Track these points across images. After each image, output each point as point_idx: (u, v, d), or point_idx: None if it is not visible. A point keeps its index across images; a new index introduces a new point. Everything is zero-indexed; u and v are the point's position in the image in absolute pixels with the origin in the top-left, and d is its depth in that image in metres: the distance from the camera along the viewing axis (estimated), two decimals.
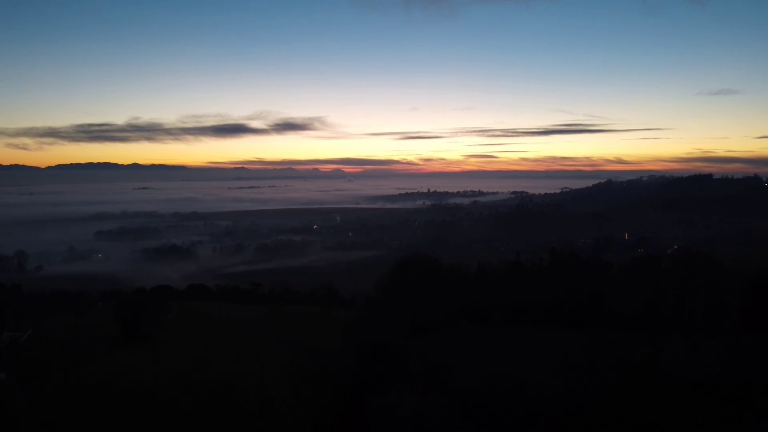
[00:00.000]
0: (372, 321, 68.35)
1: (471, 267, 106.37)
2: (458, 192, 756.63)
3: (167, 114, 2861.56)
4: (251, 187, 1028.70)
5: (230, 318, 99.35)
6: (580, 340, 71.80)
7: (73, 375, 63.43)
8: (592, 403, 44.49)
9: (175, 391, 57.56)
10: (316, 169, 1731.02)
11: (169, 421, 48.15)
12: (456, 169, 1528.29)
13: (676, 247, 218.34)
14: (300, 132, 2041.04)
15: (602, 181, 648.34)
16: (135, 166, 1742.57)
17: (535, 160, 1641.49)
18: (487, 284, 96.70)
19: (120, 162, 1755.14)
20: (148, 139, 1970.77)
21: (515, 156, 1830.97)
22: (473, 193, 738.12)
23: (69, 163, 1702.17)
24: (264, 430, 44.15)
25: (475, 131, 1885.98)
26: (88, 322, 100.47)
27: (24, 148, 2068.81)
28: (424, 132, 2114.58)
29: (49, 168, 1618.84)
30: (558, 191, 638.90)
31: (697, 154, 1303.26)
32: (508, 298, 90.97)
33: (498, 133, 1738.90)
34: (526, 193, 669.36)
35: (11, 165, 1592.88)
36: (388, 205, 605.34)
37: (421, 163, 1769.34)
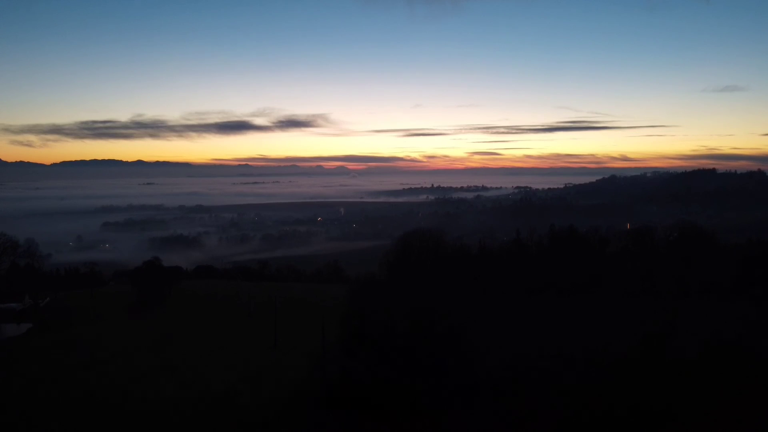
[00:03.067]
0: (377, 286, 71.22)
1: (474, 248, 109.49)
2: (462, 187, 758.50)
3: (171, 111, 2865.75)
4: (255, 183, 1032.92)
5: (239, 290, 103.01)
6: (587, 308, 73.04)
7: (86, 330, 67.80)
8: (620, 364, 43.64)
9: (186, 342, 61.20)
10: (320, 166, 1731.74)
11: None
12: (460, 166, 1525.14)
13: (676, 234, 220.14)
14: (304, 129, 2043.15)
15: (606, 177, 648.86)
16: (139, 163, 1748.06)
17: (540, 158, 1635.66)
18: (490, 260, 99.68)
19: (124, 159, 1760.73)
20: (152, 136, 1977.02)
21: (519, 153, 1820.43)
22: (477, 188, 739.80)
23: (73, 159, 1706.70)
24: (276, 359, 48.17)
25: (479, 128, 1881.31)
26: (101, 294, 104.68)
27: (28, 145, 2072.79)
28: (427, 129, 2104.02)
29: (54, 165, 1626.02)
30: (562, 186, 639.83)
31: (702, 151, 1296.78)
32: (510, 272, 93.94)
33: (502, 130, 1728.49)
34: (530, 188, 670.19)
35: (16, 162, 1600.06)
36: (392, 199, 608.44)
37: (425, 160, 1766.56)
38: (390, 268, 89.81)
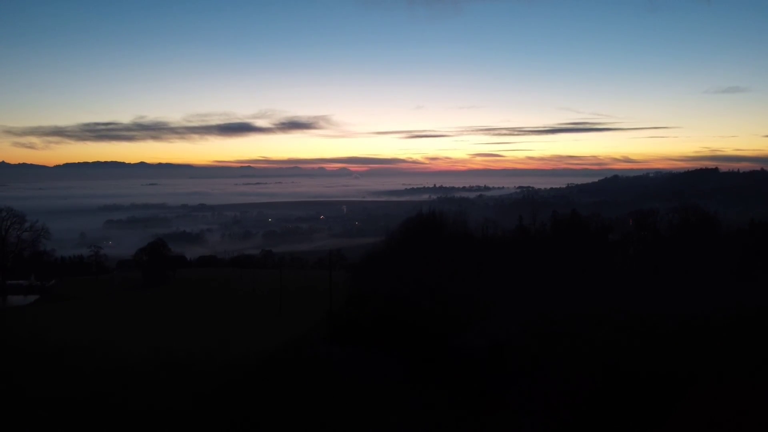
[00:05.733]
0: (382, 256, 71.44)
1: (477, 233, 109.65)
2: (464, 187, 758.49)
3: (172, 113, 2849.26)
4: (258, 183, 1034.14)
5: (242, 275, 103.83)
6: (588, 289, 72.55)
7: (78, 303, 68.97)
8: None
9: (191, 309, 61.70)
10: (322, 168, 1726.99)
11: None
12: (462, 167, 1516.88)
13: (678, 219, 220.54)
14: (305, 131, 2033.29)
15: (609, 177, 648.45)
16: (142, 165, 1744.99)
17: (542, 159, 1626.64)
18: (492, 242, 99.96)
19: (127, 161, 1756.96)
20: (154, 138, 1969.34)
21: (521, 155, 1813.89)
22: (479, 188, 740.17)
23: (76, 161, 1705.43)
24: (281, 321, 48.75)
25: (480, 130, 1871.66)
26: (105, 279, 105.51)
27: (31, 147, 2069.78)
28: (429, 130, 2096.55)
29: (57, 166, 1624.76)
30: (564, 186, 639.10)
31: (705, 152, 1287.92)
32: (512, 254, 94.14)
33: (504, 131, 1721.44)
34: (532, 187, 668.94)
35: (19, 164, 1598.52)
36: (394, 199, 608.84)
37: (427, 161, 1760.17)
38: (393, 245, 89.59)
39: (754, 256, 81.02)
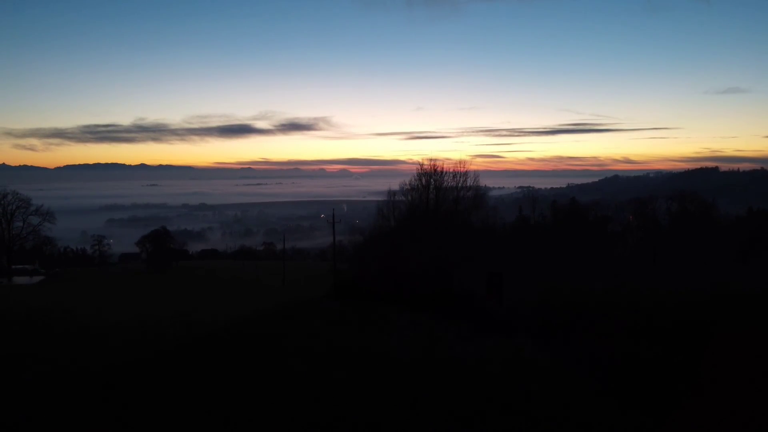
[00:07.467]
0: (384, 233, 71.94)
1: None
2: (464, 187, 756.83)
3: (172, 115, 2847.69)
4: (258, 184, 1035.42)
5: (244, 266, 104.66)
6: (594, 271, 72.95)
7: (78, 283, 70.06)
8: None
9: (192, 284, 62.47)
10: (323, 170, 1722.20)
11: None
12: (462, 168, 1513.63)
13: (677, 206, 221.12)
14: (305, 132, 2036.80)
15: (609, 177, 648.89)
16: (142, 167, 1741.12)
17: (542, 160, 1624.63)
18: (492, 233, 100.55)
19: (127, 162, 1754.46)
20: (154, 139, 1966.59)
21: (522, 156, 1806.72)
22: (479, 188, 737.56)
23: (76, 163, 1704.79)
24: (284, 292, 49.51)
25: (481, 131, 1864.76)
26: (107, 270, 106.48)
27: (31, 149, 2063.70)
28: (429, 132, 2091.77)
29: (58, 168, 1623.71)
30: (565, 186, 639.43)
31: (705, 153, 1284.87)
32: (512, 241, 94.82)
33: (504, 132, 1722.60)
34: (533, 187, 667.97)
35: (20, 165, 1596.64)
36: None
37: (428, 163, 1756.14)
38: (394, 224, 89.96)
39: (753, 242, 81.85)
